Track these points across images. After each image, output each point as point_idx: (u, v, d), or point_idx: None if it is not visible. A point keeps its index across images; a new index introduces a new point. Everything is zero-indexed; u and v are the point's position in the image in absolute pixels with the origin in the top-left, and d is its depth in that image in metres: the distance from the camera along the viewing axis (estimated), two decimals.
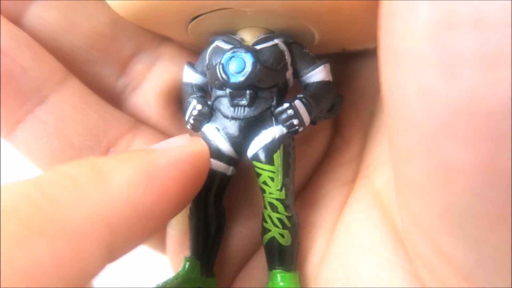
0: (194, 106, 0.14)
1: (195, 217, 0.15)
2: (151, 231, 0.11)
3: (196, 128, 0.15)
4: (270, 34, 0.14)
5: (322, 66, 0.15)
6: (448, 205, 0.10)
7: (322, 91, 0.15)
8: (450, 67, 0.08)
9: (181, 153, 0.12)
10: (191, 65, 0.15)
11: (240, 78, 0.13)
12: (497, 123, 0.08)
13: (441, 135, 0.09)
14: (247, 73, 0.13)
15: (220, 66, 0.13)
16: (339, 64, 0.18)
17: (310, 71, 0.14)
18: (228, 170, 0.15)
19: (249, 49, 0.13)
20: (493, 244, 0.09)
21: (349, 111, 0.18)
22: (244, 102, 0.14)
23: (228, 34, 0.14)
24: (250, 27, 0.14)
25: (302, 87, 0.15)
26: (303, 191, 0.17)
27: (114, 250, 0.10)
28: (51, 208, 0.10)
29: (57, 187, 0.10)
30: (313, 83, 0.15)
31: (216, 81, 0.14)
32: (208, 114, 0.14)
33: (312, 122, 0.15)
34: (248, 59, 0.13)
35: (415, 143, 0.10)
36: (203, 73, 0.15)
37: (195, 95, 0.15)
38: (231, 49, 0.14)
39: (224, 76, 0.13)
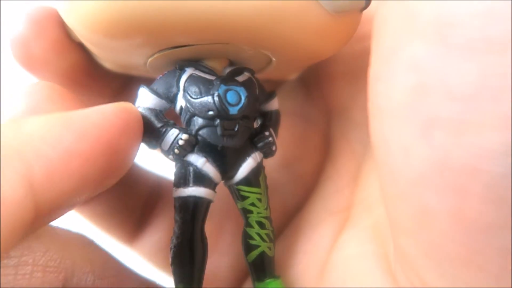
0: (177, 135, 0.14)
1: (182, 250, 0.15)
2: (79, 171, 0.11)
3: (180, 157, 0.15)
4: (239, 67, 0.15)
5: (276, 97, 0.16)
6: (430, 246, 0.11)
7: (278, 119, 0.17)
8: (424, 128, 0.10)
9: (103, 107, 0.12)
10: (149, 88, 0.15)
11: (237, 109, 0.14)
12: (464, 180, 0.09)
13: (419, 184, 0.10)
14: (243, 105, 0.14)
15: (217, 98, 0.14)
16: (333, 95, 0.19)
17: (268, 102, 0.16)
18: (214, 196, 0.15)
19: (240, 83, 0.14)
20: (466, 281, 0.10)
21: (342, 141, 0.18)
22: (235, 131, 0.14)
23: (193, 61, 0.15)
24: (215, 57, 0.15)
25: (258, 115, 0.16)
26: (295, 219, 0.18)
27: (36, 184, 0.10)
28: None
29: None
30: (272, 111, 0.16)
31: (211, 112, 0.14)
32: (195, 143, 0.15)
33: None
34: (242, 93, 0.14)
35: (399, 189, 0.11)
36: (167, 99, 0.15)
37: (168, 123, 0.14)
38: (222, 81, 0.14)
39: (223, 107, 0.14)
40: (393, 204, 0.12)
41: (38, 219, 0.10)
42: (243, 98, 0.14)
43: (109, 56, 0.16)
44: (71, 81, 0.17)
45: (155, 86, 0.15)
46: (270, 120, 0.16)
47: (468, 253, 0.10)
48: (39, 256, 0.14)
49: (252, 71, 0.15)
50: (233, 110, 0.14)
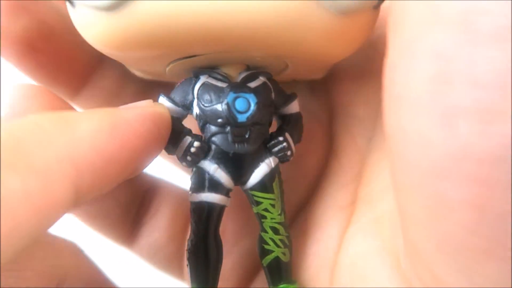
0: (190, 143, 0.15)
1: (197, 250, 0.15)
2: (115, 177, 0.12)
3: (193, 164, 0.15)
4: (254, 72, 0.15)
5: (296, 100, 0.16)
6: (444, 238, 0.11)
7: (298, 122, 0.16)
8: (446, 117, 0.09)
9: (143, 111, 0.13)
10: (167, 96, 0.15)
11: (246, 117, 0.14)
12: (487, 170, 0.09)
13: (436, 175, 0.10)
14: (252, 112, 0.14)
15: (226, 106, 0.14)
16: (332, 90, 0.19)
17: (287, 105, 0.16)
18: (227, 201, 0.15)
19: (251, 90, 0.14)
20: (484, 275, 0.10)
21: (346, 137, 0.18)
22: (246, 138, 0.14)
23: (209, 68, 0.15)
24: (231, 63, 0.15)
25: (277, 118, 0.16)
26: (300, 216, 0.18)
27: (81, 190, 0.11)
28: (19, 147, 0.10)
29: (24, 130, 0.11)
30: (291, 115, 0.16)
31: (220, 119, 0.14)
32: (206, 150, 0.15)
33: None
34: (252, 100, 0.14)
35: (413, 180, 0.11)
36: (184, 107, 0.15)
37: (184, 130, 0.15)
38: (232, 88, 0.14)
39: (231, 115, 0.14)
40: (405, 195, 0.11)
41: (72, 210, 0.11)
42: (252, 105, 0.14)
43: (131, 65, 0.17)
44: (26, 47, 0.16)
45: (173, 94, 0.15)
46: (288, 124, 0.16)
47: (489, 244, 0.10)
48: (38, 263, 0.14)
49: (268, 75, 0.15)
50: (242, 118, 0.14)
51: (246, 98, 0.14)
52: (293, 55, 0.14)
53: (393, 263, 0.14)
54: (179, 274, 0.20)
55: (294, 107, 0.16)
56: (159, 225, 0.19)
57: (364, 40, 0.14)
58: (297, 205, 0.18)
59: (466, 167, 0.09)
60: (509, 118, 0.09)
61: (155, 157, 0.14)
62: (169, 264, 0.19)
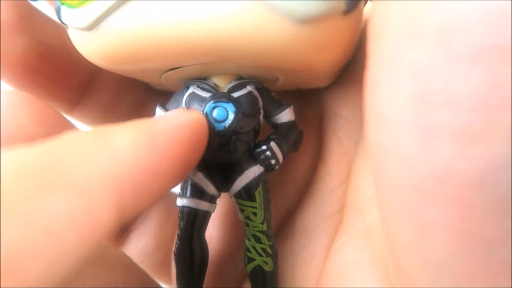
0: None
1: (181, 253, 0.16)
2: (159, 191, 0.12)
3: None
4: (242, 81, 0.15)
5: (288, 108, 0.16)
6: (427, 259, 0.10)
7: (290, 131, 0.16)
8: (426, 138, 0.09)
9: (179, 119, 0.13)
10: (163, 107, 0.16)
11: (224, 126, 0.14)
12: (467, 193, 0.09)
13: (418, 197, 0.10)
14: (230, 122, 0.14)
15: (204, 115, 0.14)
16: (322, 92, 0.18)
17: (278, 113, 0.16)
18: (211, 207, 0.16)
19: (230, 99, 0.14)
20: None
21: (333, 139, 0.18)
22: (227, 147, 0.14)
23: (201, 79, 0.15)
24: (222, 74, 0.15)
25: (270, 127, 0.16)
26: (288, 222, 0.18)
27: (124, 208, 0.10)
28: (59, 166, 0.10)
29: (63, 149, 0.10)
30: (282, 123, 0.16)
31: None
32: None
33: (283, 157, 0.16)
34: (230, 109, 0.14)
35: (396, 201, 0.10)
36: None
37: None
38: (212, 98, 0.14)
39: (210, 124, 0.14)
40: (390, 215, 0.11)
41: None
42: (230, 115, 0.14)
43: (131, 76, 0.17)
44: (25, 69, 0.16)
45: (168, 104, 0.16)
46: (278, 132, 0.16)
47: (472, 268, 0.10)
48: (88, 280, 0.14)
49: (258, 84, 0.15)
50: (219, 127, 0.14)
51: (224, 108, 0.14)
52: (266, 66, 0.14)
53: (382, 276, 0.14)
54: (167, 279, 0.19)
55: (286, 116, 0.16)
56: (148, 233, 0.19)
57: (340, 49, 0.14)
58: (285, 211, 0.18)
59: (446, 190, 0.09)
60: (489, 140, 0.08)
61: (196, 164, 0.13)
62: (157, 270, 0.19)
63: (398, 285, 0.13)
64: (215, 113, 0.14)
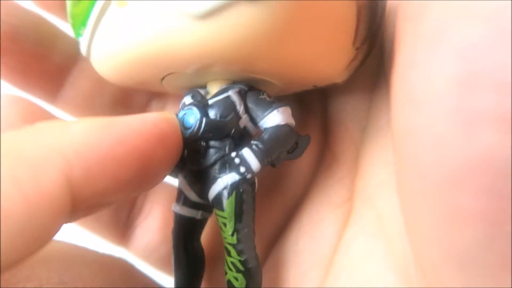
0: None
1: (175, 258, 0.16)
2: (115, 175, 0.11)
3: (173, 176, 0.16)
4: (227, 86, 0.15)
5: (276, 111, 0.14)
6: (452, 251, 0.10)
7: (277, 135, 0.14)
8: (467, 123, 0.09)
9: (145, 115, 0.13)
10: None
11: (189, 133, 0.14)
12: (505, 183, 0.08)
13: (450, 185, 0.09)
14: (193, 128, 0.14)
15: (180, 122, 0.14)
16: None
17: (264, 117, 0.14)
18: (197, 214, 0.15)
19: (198, 105, 0.14)
20: None
21: (339, 127, 0.17)
22: (197, 154, 0.14)
23: (198, 86, 0.15)
24: (216, 79, 0.15)
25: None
26: (296, 213, 0.17)
27: (74, 183, 0.11)
28: (12, 142, 0.10)
29: (22, 130, 0.11)
30: (267, 128, 0.14)
31: None
32: (179, 164, 0.14)
33: (272, 164, 0.14)
34: (195, 115, 0.14)
35: (424, 188, 0.10)
36: None
37: None
38: (188, 105, 0.14)
39: (182, 132, 0.14)
40: (414, 203, 0.11)
41: (74, 212, 0.11)
42: (194, 121, 0.14)
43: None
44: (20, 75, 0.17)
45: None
46: (259, 138, 0.14)
47: (500, 261, 0.09)
48: (88, 283, 0.14)
49: (243, 87, 0.15)
50: (186, 133, 0.14)
51: (192, 114, 0.14)
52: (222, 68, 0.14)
53: (400, 268, 0.13)
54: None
55: (272, 119, 0.14)
56: (152, 228, 0.19)
57: (305, 35, 0.12)
58: (293, 201, 0.17)
59: (482, 178, 0.09)
60: None
61: (168, 161, 0.13)
62: (163, 265, 0.19)
63: (419, 278, 0.12)
64: (185, 121, 0.14)
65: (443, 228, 0.10)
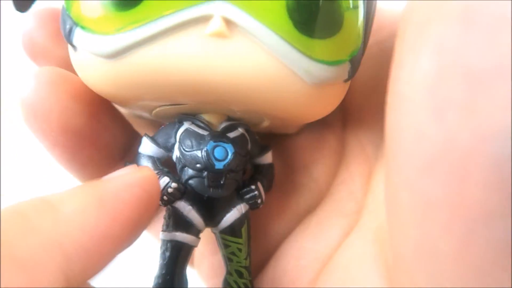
0: (168, 183, 0.15)
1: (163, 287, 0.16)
2: (109, 255, 0.11)
3: (167, 203, 0.15)
4: (233, 123, 0.16)
5: (270, 152, 0.17)
6: (421, 240, 0.10)
7: (269, 172, 0.17)
8: (438, 110, 0.09)
9: (129, 179, 0.13)
10: (151, 137, 0.16)
11: (223, 164, 0.15)
12: (467, 165, 0.09)
13: (424, 172, 0.10)
14: (229, 161, 0.15)
15: (205, 153, 0.15)
16: (348, 96, 0.18)
17: (261, 156, 0.17)
18: (196, 242, 0.16)
19: (229, 140, 0.15)
20: (453, 282, 0.10)
21: (355, 143, 0.18)
22: (221, 183, 0.15)
23: (192, 115, 0.16)
24: (213, 112, 0.16)
25: (251, 167, 0.17)
26: (306, 219, 0.18)
27: (71, 277, 0.10)
28: (3, 244, 0.10)
29: (6, 222, 0.10)
30: (263, 165, 0.17)
31: (198, 165, 0.15)
32: (183, 191, 0.15)
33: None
34: (230, 149, 0.15)
35: (403, 178, 0.10)
36: (165, 149, 0.16)
37: (163, 171, 0.15)
38: (212, 137, 0.15)
39: (209, 162, 0.15)
40: (393, 195, 0.11)
41: None
42: (229, 155, 0.15)
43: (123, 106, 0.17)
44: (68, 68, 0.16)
45: (156, 135, 0.16)
46: (261, 173, 0.17)
47: (461, 247, 0.09)
48: None
49: (246, 127, 0.16)
50: (219, 165, 0.15)
51: (224, 148, 0.15)
52: (268, 114, 0.15)
53: (383, 271, 0.14)
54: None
55: (267, 158, 0.17)
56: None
57: (334, 107, 0.15)
58: (305, 209, 0.18)
59: (448, 162, 0.09)
60: (491, 111, 0.08)
61: (150, 222, 0.13)
62: None
63: (394, 277, 0.13)
64: (216, 152, 0.15)
65: (414, 217, 0.10)
